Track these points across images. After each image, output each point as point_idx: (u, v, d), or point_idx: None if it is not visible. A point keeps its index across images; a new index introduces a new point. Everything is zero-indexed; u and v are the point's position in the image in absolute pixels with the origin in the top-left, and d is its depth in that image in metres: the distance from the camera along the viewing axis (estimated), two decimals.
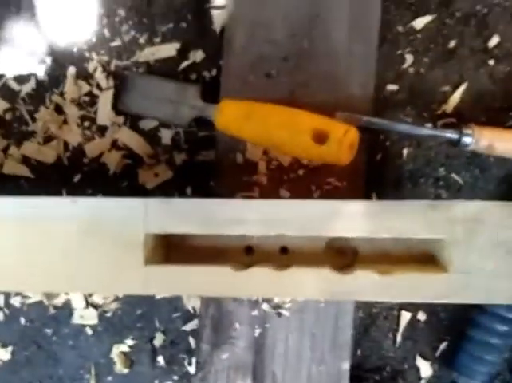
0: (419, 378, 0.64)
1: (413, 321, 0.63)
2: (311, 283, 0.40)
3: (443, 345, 0.63)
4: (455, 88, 0.62)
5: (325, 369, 0.56)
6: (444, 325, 0.63)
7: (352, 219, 0.41)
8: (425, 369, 0.63)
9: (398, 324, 0.63)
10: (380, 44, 0.61)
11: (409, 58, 0.62)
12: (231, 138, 0.57)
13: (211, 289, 0.40)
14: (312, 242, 0.45)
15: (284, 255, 0.46)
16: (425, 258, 0.44)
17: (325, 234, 0.41)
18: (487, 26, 0.62)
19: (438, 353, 0.63)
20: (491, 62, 0.62)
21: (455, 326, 0.62)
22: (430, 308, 0.63)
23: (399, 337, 0.63)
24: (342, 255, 0.46)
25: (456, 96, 0.62)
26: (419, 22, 0.62)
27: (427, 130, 0.57)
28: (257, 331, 0.56)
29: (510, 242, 0.40)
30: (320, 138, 0.48)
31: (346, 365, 0.56)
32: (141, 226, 0.41)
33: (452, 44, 0.62)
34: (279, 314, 0.56)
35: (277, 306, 0.56)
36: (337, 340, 0.56)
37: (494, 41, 0.62)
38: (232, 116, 0.54)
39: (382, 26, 0.61)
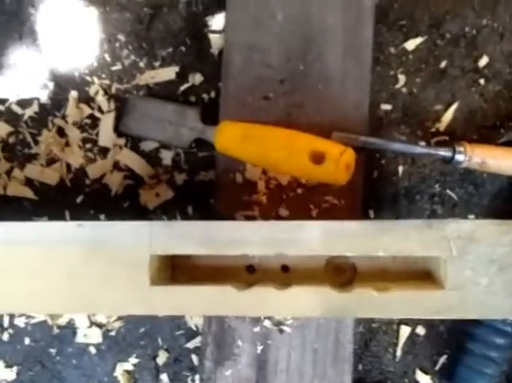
0: None
1: (412, 335, 0.64)
2: (311, 301, 0.41)
3: (442, 359, 0.64)
4: (447, 106, 0.64)
5: None
6: (443, 339, 0.64)
7: (350, 238, 0.42)
8: (425, 382, 0.64)
9: (398, 338, 0.64)
10: (374, 65, 0.63)
11: (402, 78, 0.64)
12: (230, 158, 0.58)
13: (214, 309, 0.42)
14: (312, 260, 0.47)
15: (285, 274, 0.47)
16: (423, 274, 0.46)
17: (324, 253, 0.42)
18: (477, 47, 0.64)
19: (437, 367, 0.64)
20: (482, 81, 0.64)
21: (454, 340, 0.63)
22: (429, 322, 0.64)
23: (399, 352, 0.64)
24: (341, 273, 0.47)
25: (448, 115, 0.64)
26: (411, 44, 0.64)
27: (421, 148, 0.59)
28: (260, 348, 0.57)
29: (502, 259, 0.42)
30: (318, 158, 0.50)
31: (348, 380, 0.57)
32: (146, 248, 0.42)
33: (443, 64, 0.64)
34: (281, 331, 0.57)
35: (278, 323, 0.57)
36: (339, 355, 0.57)
37: (484, 61, 0.64)
38: (231, 138, 0.55)
39: (375, 48, 0.63)
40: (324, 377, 0.56)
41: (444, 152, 0.58)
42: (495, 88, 0.64)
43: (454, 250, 0.41)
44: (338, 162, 0.49)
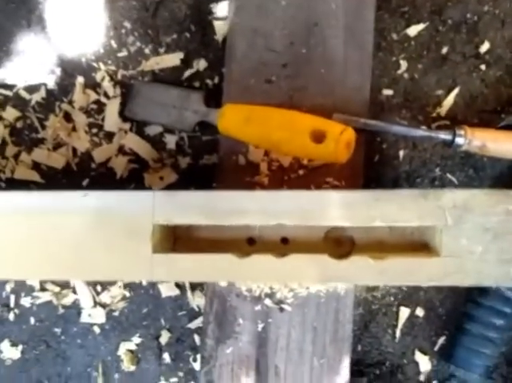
0: (418, 372, 0.65)
1: (412, 316, 0.65)
2: (309, 269, 0.42)
3: (441, 340, 0.65)
4: (449, 92, 0.64)
5: (327, 362, 0.57)
6: (442, 321, 0.65)
7: (348, 207, 0.43)
8: (424, 363, 0.65)
9: (397, 320, 0.65)
10: (376, 51, 0.64)
11: (404, 64, 0.65)
12: (233, 141, 0.59)
13: (215, 275, 0.43)
14: (311, 232, 0.48)
15: (284, 245, 0.48)
16: (419, 245, 0.47)
17: (323, 223, 0.43)
18: (478, 33, 0.65)
19: (436, 348, 0.65)
20: (483, 67, 0.64)
21: (453, 321, 0.64)
22: (428, 304, 0.64)
23: (398, 333, 0.65)
24: (340, 245, 0.48)
25: (450, 100, 0.64)
26: (413, 30, 0.65)
27: (421, 131, 0.60)
28: (260, 326, 0.58)
29: (496, 227, 0.42)
30: (318, 138, 0.51)
31: (347, 359, 0.58)
32: (149, 217, 0.44)
33: (445, 50, 0.65)
34: (281, 309, 0.58)
35: (279, 301, 0.58)
36: (338, 334, 0.57)
37: (485, 47, 0.64)
38: (234, 120, 0.56)
39: (377, 34, 0.64)
40: (323, 354, 0.57)
41: (445, 135, 0.59)
42: (496, 74, 0.64)
43: (450, 220, 0.42)
44: (338, 140, 0.49)
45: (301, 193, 0.44)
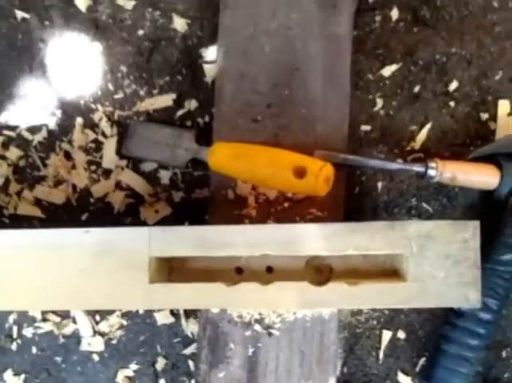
0: None
1: (394, 339, 0.68)
2: (291, 295, 0.46)
3: (421, 361, 0.68)
4: (421, 127, 0.70)
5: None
6: (422, 343, 0.68)
7: (325, 238, 0.47)
8: None
9: (380, 342, 0.68)
10: (354, 90, 0.69)
11: (379, 102, 0.70)
12: (223, 176, 0.64)
13: (206, 302, 0.47)
14: (293, 261, 0.52)
15: (269, 274, 0.52)
16: (390, 272, 0.51)
17: (303, 252, 0.47)
18: (447, 73, 0.70)
19: (417, 369, 0.68)
20: (452, 104, 0.70)
21: (432, 343, 0.67)
22: (409, 327, 0.68)
23: (381, 355, 0.68)
24: (319, 273, 0.52)
25: (423, 134, 0.69)
26: (387, 70, 0.71)
27: (396, 164, 0.64)
28: (251, 350, 0.62)
29: (456, 255, 0.47)
30: (300, 173, 0.55)
31: (332, 380, 0.61)
32: (146, 250, 0.48)
33: (417, 88, 0.70)
34: (270, 334, 0.62)
35: (268, 327, 0.62)
36: (323, 356, 0.61)
37: (454, 85, 0.70)
38: (223, 157, 0.61)
39: (354, 75, 0.69)
40: (310, 376, 0.61)
41: (418, 168, 0.64)
42: (464, 110, 0.70)
43: (415, 248, 0.47)
44: (318, 175, 0.54)
45: (283, 226, 0.48)
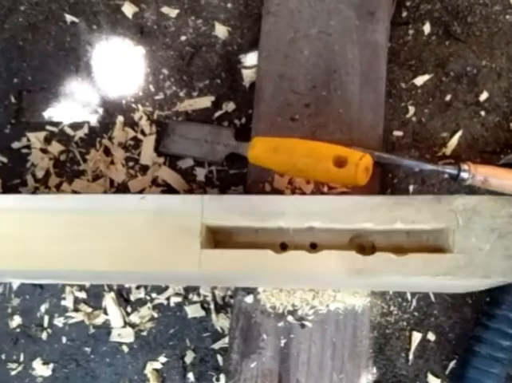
0: None
1: (423, 341, 0.68)
2: (339, 262, 0.47)
3: (452, 364, 0.68)
4: (453, 134, 0.72)
5: (345, 377, 0.61)
6: (452, 345, 0.68)
7: (372, 210, 0.49)
8: None
9: (410, 344, 0.68)
10: (387, 98, 0.72)
11: (412, 109, 0.73)
12: (261, 170, 0.66)
13: (255, 267, 0.48)
14: (337, 238, 0.53)
15: (313, 250, 0.53)
16: (433, 250, 0.52)
17: (350, 224, 0.49)
18: (477, 84, 0.73)
19: (447, 371, 0.68)
20: (482, 113, 0.72)
21: (462, 346, 0.67)
22: (438, 329, 0.68)
23: (411, 356, 0.68)
24: (362, 250, 0.53)
25: (454, 141, 0.71)
26: (419, 80, 0.74)
27: (430, 166, 0.66)
28: (283, 341, 0.62)
29: (501, 228, 0.48)
30: (340, 163, 0.57)
31: (365, 374, 0.61)
32: (199, 217, 0.50)
33: (448, 98, 0.73)
34: (303, 325, 0.62)
35: (300, 318, 0.62)
36: (356, 349, 0.61)
37: (484, 96, 0.72)
38: (263, 150, 0.63)
39: (388, 83, 0.72)
40: (342, 369, 0.61)
41: (451, 170, 0.65)
42: (495, 120, 0.72)
43: (461, 221, 0.48)
44: (358, 164, 0.56)
45: (332, 197, 0.50)
